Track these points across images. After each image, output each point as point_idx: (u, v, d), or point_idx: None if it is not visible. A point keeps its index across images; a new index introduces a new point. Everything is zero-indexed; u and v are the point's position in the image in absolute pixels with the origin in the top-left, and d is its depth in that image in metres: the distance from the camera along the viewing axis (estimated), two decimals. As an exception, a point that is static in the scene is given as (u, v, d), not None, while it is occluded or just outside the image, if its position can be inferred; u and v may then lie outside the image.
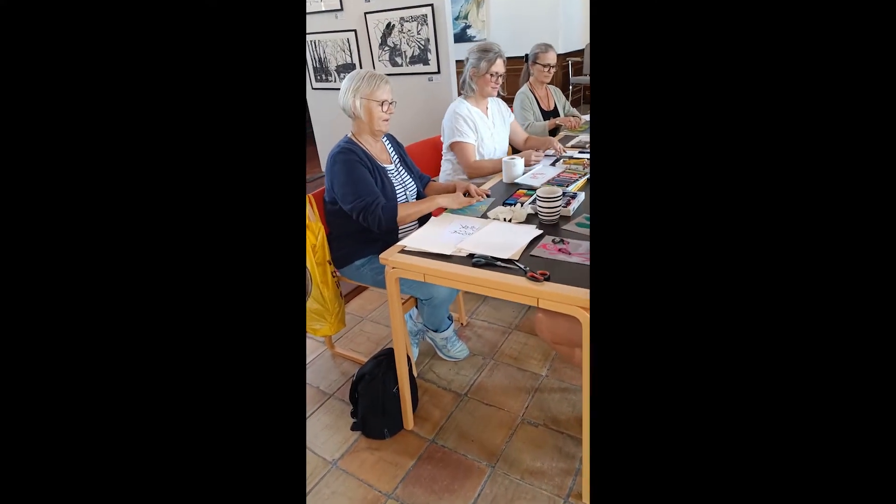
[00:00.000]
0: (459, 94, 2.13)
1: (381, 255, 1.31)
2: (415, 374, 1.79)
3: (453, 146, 2.06)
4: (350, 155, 1.51)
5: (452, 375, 1.80)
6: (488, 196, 1.68)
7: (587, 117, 2.69)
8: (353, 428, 1.55)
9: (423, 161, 2.37)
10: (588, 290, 1.04)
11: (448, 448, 1.49)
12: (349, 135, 1.61)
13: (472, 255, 1.24)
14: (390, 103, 1.53)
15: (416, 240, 1.37)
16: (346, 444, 1.54)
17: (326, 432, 1.59)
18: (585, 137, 2.38)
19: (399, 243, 1.36)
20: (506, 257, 1.21)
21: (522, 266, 1.17)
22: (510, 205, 1.54)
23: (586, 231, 1.34)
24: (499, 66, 1.99)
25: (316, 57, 4.02)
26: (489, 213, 1.49)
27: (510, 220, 1.44)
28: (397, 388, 1.51)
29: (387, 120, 1.55)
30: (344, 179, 1.50)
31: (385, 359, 1.54)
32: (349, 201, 1.50)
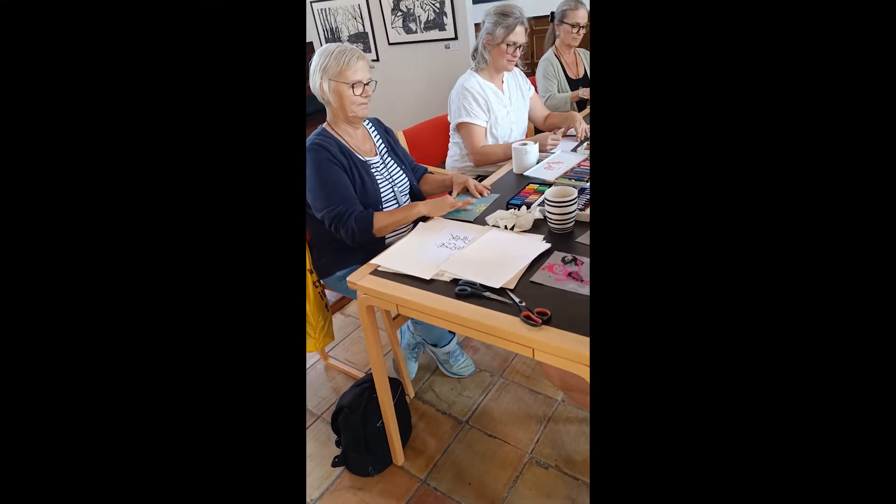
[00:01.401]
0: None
1: (349, 278, 1.08)
2: (410, 395, 1.59)
3: (460, 127, 1.78)
4: (321, 153, 1.26)
5: (454, 396, 1.58)
6: (483, 195, 1.40)
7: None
8: (335, 464, 1.37)
9: (435, 143, 2.09)
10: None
11: (441, 492, 1.28)
12: (324, 125, 1.36)
13: (456, 281, 0.99)
14: (366, 84, 1.26)
15: (392, 257, 1.12)
16: (328, 479, 1.36)
17: (308, 463, 1.41)
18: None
19: (372, 261, 1.12)
20: (497, 286, 0.95)
21: (517, 299, 0.91)
22: (515, 206, 1.27)
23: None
24: (518, 35, 1.65)
25: (327, 27, 3.73)
26: (488, 219, 1.22)
27: (512, 228, 1.17)
28: (381, 422, 1.30)
29: (364, 104, 1.28)
30: (313, 184, 1.26)
31: (369, 387, 1.33)
32: (320, 209, 1.27)
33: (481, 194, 1.39)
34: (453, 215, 1.29)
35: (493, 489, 1.27)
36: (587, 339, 0.78)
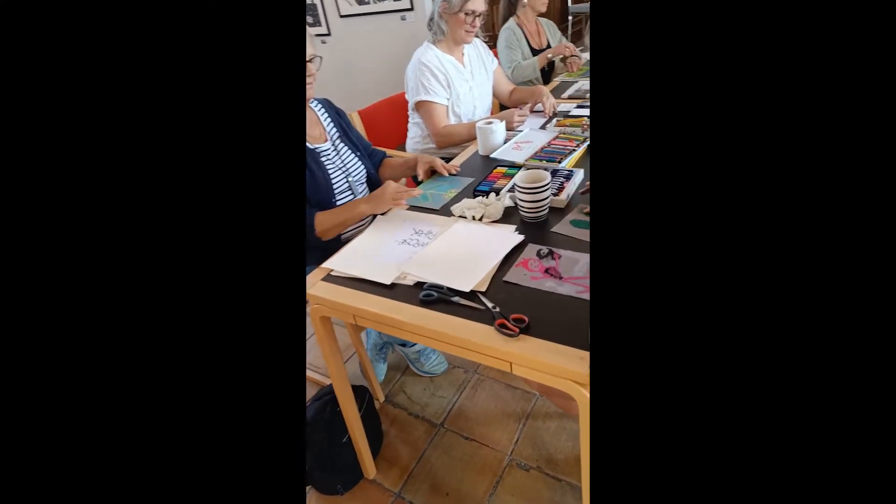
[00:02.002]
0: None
1: (298, 286, 0.94)
2: (380, 399, 1.48)
3: (419, 106, 1.63)
4: None
5: (427, 398, 1.48)
6: (454, 174, 1.28)
7: (588, 56, 2.19)
8: (299, 484, 1.25)
9: (393, 123, 1.93)
10: (587, 352, 0.67)
11: (417, 506, 1.19)
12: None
13: (421, 285, 0.87)
14: (309, 61, 1.10)
15: (347, 259, 0.99)
16: (293, 499, 1.24)
17: (271, 483, 1.29)
18: (586, 84, 1.91)
19: (324, 265, 0.99)
20: (466, 290, 0.84)
21: (490, 304, 0.80)
22: (482, 193, 1.15)
23: (585, 233, 0.95)
24: (477, 3, 1.51)
25: (271, -2, 3.45)
26: (453, 209, 1.10)
27: (481, 219, 1.05)
28: (348, 437, 1.19)
29: (308, 84, 1.12)
30: None
31: (330, 399, 1.21)
32: None
33: (450, 174, 1.27)
34: (417, 202, 1.16)
35: (472, 498, 1.19)
36: (571, 350, 0.69)
